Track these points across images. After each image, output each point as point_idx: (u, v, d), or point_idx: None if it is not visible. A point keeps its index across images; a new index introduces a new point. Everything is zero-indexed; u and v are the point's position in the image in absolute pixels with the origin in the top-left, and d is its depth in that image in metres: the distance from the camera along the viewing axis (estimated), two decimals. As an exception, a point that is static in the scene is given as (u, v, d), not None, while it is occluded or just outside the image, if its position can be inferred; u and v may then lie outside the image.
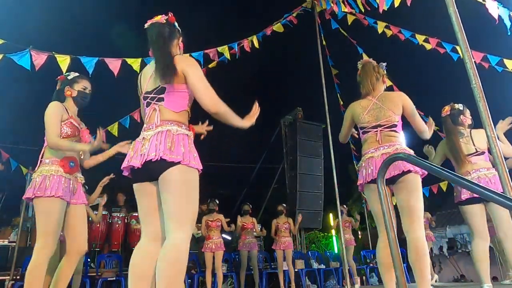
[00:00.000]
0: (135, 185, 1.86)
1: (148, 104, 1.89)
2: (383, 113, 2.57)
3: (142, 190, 1.84)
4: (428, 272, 2.31)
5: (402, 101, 2.58)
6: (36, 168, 2.68)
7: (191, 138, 1.85)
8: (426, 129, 2.66)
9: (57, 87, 2.85)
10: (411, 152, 2.50)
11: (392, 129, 2.54)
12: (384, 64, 2.81)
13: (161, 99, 1.82)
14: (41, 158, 2.71)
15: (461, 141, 3.38)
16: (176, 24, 2.02)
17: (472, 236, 3.29)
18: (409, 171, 2.40)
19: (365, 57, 6.88)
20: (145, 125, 1.88)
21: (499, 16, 4.40)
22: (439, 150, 3.60)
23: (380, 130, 2.54)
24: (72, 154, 2.68)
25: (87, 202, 2.83)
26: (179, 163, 1.72)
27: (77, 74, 2.88)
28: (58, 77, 2.87)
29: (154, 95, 1.85)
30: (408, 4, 4.65)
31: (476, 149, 3.33)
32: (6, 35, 4.11)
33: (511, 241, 3.12)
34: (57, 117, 2.62)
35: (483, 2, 4.37)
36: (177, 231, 1.68)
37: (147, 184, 1.82)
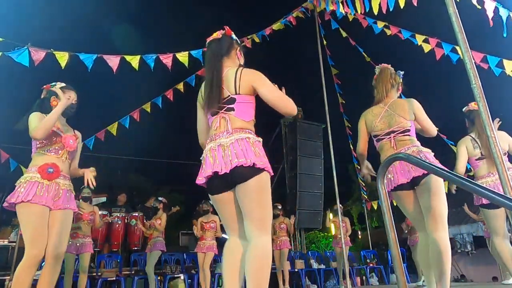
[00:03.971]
0: (214, 197, 1.91)
1: (214, 113, 1.92)
2: (395, 119, 2.59)
3: (222, 200, 1.89)
4: (446, 272, 2.29)
5: (412, 107, 2.59)
6: None
7: None
8: (435, 130, 2.63)
9: (42, 96, 2.80)
10: (430, 152, 2.48)
11: (406, 134, 2.56)
12: (402, 72, 2.80)
13: (231, 109, 1.87)
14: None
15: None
16: (234, 36, 2.09)
17: (494, 236, 3.25)
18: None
19: (367, 58, 6.92)
20: (213, 133, 1.90)
21: (498, 16, 4.39)
22: (462, 148, 3.43)
23: (394, 136, 2.57)
24: (53, 161, 2.62)
25: (71, 208, 2.69)
26: (264, 169, 1.78)
27: (63, 84, 2.83)
28: (44, 86, 2.82)
29: (222, 105, 1.89)
30: (415, 4, 4.62)
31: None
32: (4, 34, 4.09)
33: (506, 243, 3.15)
34: (39, 120, 2.57)
35: (479, 7, 4.36)
36: (262, 234, 1.74)
37: (225, 194, 1.87)
